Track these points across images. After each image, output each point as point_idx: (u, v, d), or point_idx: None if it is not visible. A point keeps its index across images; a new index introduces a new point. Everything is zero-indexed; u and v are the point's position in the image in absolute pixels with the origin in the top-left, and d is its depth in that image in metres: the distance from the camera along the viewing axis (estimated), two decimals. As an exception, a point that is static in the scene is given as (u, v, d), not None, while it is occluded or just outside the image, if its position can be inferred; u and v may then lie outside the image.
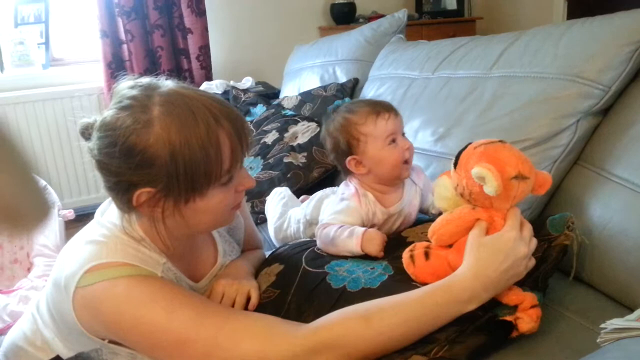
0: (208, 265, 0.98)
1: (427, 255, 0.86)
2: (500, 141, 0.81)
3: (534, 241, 0.82)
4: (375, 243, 0.95)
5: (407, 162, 1.04)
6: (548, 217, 0.92)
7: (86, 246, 0.80)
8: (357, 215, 1.04)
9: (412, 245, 0.90)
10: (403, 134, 1.06)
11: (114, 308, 0.76)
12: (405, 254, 0.89)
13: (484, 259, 0.78)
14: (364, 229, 0.98)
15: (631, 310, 0.90)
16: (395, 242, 0.99)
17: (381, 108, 1.04)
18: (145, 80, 0.80)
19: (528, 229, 0.81)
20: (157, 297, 0.77)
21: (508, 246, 0.77)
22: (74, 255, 0.80)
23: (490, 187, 0.75)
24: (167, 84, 0.80)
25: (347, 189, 1.09)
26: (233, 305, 0.89)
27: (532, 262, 0.81)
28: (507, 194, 0.78)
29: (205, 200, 0.79)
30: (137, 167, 0.74)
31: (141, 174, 0.75)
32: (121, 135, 0.74)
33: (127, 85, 0.79)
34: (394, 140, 1.03)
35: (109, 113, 0.77)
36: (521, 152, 0.81)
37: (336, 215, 1.04)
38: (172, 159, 0.74)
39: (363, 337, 0.76)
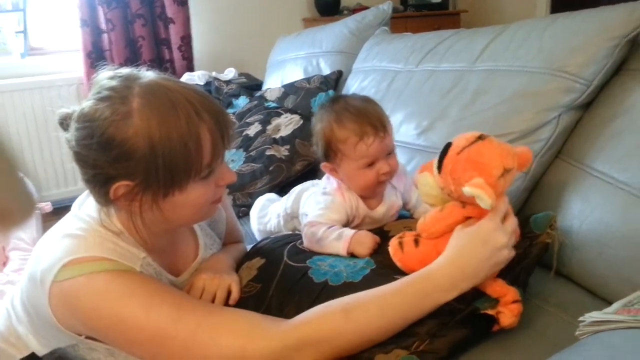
0: (189, 259, 0.97)
1: (416, 242, 0.86)
2: (479, 137, 0.81)
3: (516, 233, 0.82)
4: (365, 246, 0.94)
5: (382, 182, 1.02)
6: (531, 214, 0.93)
7: (63, 240, 0.79)
8: (342, 209, 1.03)
9: (402, 233, 0.90)
10: (390, 153, 1.02)
11: (91, 304, 0.74)
12: (394, 241, 0.88)
13: (462, 248, 0.79)
14: (353, 231, 0.97)
15: (609, 303, 0.91)
16: (378, 237, 0.98)
17: (369, 128, 0.97)
18: (126, 70, 0.78)
19: (511, 222, 0.81)
20: (135, 293, 0.75)
21: (486, 235, 0.78)
22: (50, 249, 0.78)
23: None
24: (147, 74, 0.78)
25: (329, 183, 1.08)
26: (214, 300, 0.88)
27: (512, 253, 0.81)
28: (496, 192, 0.78)
29: (184, 194, 0.77)
30: (115, 159, 0.73)
31: (119, 167, 0.73)
32: (99, 126, 0.72)
33: (106, 76, 0.78)
34: (371, 164, 1.00)
35: (87, 104, 0.75)
36: (500, 142, 0.81)
37: (322, 211, 1.03)
38: (151, 152, 0.72)
39: (344, 330, 0.76)
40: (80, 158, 0.76)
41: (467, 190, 0.76)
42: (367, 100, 1.05)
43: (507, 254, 0.79)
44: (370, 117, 0.99)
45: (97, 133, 0.72)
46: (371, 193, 1.05)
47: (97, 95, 0.75)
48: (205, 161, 0.76)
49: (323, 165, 1.07)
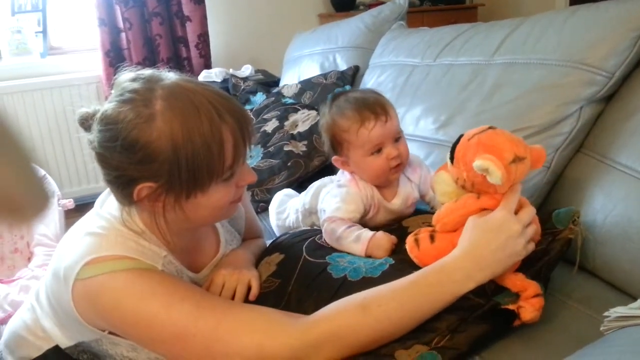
0: (210, 255, 0.98)
1: (432, 238, 0.86)
2: (490, 127, 0.82)
3: (536, 223, 0.82)
4: (383, 249, 0.94)
5: (396, 167, 1.02)
6: (553, 208, 0.92)
7: (85, 238, 0.80)
8: (359, 199, 1.03)
9: (417, 230, 0.90)
10: (398, 139, 1.02)
11: (114, 302, 0.75)
12: (410, 238, 0.89)
13: (475, 238, 0.79)
14: (371, 233, 0.96)
15: (633, 298, 0.90)
16: (397, 234, 0.98)
17: (368, 114, 0.99)
18: (147, 72, 0.79)
19: (527, 211, 0.81)
20: (156, 291, 0.76)
21: (498, 224, 0.78)
22: (73, 247, 0.80)
23: (495, 178, 0.75)
24: (169, 76, 0.78)
25: (343, 176, 1.09)
26: (234, 296, 0.89)
27: (532, 245, 0.81)
28: (508, 178, 0.78)
29: (206, 196, 0.78)
30: (138, 162, 0.73)
31: (143, 169, 0.74)
32: (123, 129, 0.73)
33: (128, 78, 0.78)
34: (379, 150, 1.00)
35: (109, 106, 0.75)
36: (512, 134, 0.81)
37: (339, 204, 1.03)
38: (174, 154, 0.73)
39: (362, 325, 0.76)
40: (103, 159, 0.76)
41: (477, 163, 0.76)
42: (367, 90, 1.07)
43: (524, 243, 0.79)
44: (369, 103, 1.00)
45: (121, 135, 0.73)
46: (384, 181, 1.04)
47: (120, 98, 0.75)
48: (227, 163, 0.77)
49: (334, 160, 1.08)
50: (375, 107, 1.00)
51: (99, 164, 0.78)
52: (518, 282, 0.80)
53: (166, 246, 0.84)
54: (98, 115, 0.77)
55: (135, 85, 0.76)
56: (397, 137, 1.02)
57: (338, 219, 1.00)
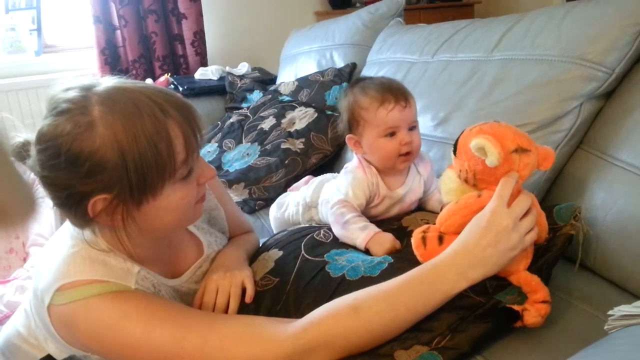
0: (191, 260, 0.94)
1: (440, 240, 0.84)
2: (494, 122, 0.81)
3: (530, 217, 0.79)
4: (382, 247, 0.93)
5: (405, 155, 1.02)
6: (553, 204, 0.91)
7: (56, 259, 0.77)
8: (365, 185, 1.04)
9: (426, 226, 0.87)
10: (413, 127, 1.03)
11: (91, 331, 0.73)
12: (417, 234, 0.86)
13: (466, 235, 0.78)
14: (377, 230, 0.97)
15: (634, 295, 0.90)
16: (397, 234, 0.97)
17: (390, 96, 1.01)
18: (81, 80, 0.74)
19: (519, 202, 0.78)
20: (132, 317, 0.74)
21: (486, 220, 0.76)
22: (46, 267, 0.77)
23: (492, 156, 0.74)
24: (104, 80, 0.74)
25: (351, 163, 1.11)
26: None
27: (531, 236, 0.78)
28: (510, 169, 0.77)
29: (165, 198, 0.73)
30: (87, 174, 0.68)
31: (93, 182, 0.69)
32: (64, 143, 0.68)
33: (61, 89, 0.73)
34: (393, 133, 1.02)
35: (45, 122, 0.70)
36: (517, 128, 0.80)
37: (348, 189, 1.04)
38: (122, 159, 0.68)
39: (354, 327, 0.74)
40: (50, 182, 0.71)
41: (474, 142, 0.75)
42: (392, 79, 1.10)
43: (518, 237, 0.76)
44: (392, 88, 1.03)
45: (62, 150, 0.68)
46: (391, 167, 1.05)
47: (55, 111, 0.70)
48: (180, 158, 0.72)
49: (348, 138, 1.08)
50: (398, 92, 1.02)
51: (46, 188, 0.72)
52: (533, 283, 0.79)
53: (137, 260, 0.81)
54: (35, 136, 0.72)
55: (69, 94, 0.71)
56: (412, 126, 1.04)
57: (350, 205, 1.02)
